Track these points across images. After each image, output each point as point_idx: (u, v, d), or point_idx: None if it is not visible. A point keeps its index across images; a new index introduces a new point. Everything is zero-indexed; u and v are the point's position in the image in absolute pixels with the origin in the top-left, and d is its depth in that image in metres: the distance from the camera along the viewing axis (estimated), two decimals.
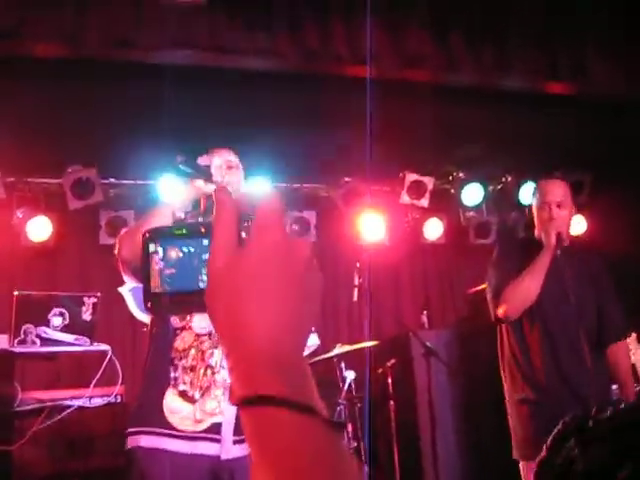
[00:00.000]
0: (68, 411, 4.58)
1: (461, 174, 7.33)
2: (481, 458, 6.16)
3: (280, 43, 5.47)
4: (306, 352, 2.86)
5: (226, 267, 0.77)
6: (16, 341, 4.73)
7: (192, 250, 0.89)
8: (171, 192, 5.21)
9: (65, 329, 4.88)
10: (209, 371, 3.14)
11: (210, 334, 3.16)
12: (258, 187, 5.79)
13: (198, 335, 3.16)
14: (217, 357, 3.16)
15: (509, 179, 7.55)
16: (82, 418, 4.65)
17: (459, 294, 7.47)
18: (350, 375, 5.47)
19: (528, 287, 3.81)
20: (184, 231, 0.90)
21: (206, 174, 3.27)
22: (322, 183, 7.10)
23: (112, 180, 6.50)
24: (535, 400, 3.86)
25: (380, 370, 5.80)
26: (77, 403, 4.58)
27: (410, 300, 7.49)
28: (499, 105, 6.65)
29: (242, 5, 5.29)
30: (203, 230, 0.89)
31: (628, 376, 3.97)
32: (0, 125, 5.47)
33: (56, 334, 4.83)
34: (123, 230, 3.38)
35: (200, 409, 3.12)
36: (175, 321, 3.18)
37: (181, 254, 0.89)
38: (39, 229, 6.17)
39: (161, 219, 3.16)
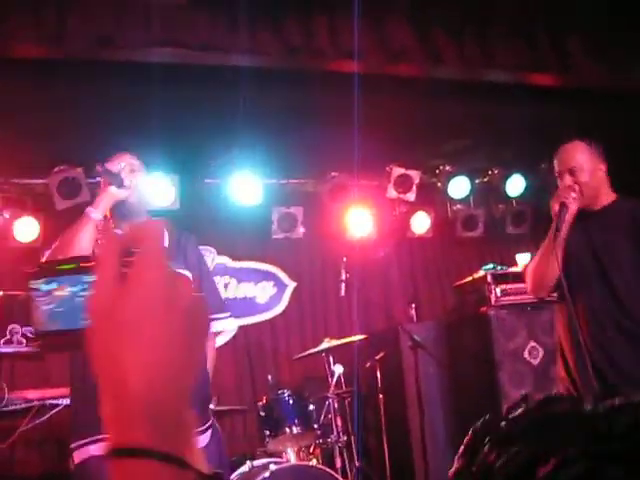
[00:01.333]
0: (56, 410, 4.59)
1: (447, 167, 7.35)
2: None
3: (263, 40, 5.48)
4: (224, 336, 2.89)
5: (105, 306, 0.73)
6: (2, 341, 4.74)
7: (77, 287, 0.86)
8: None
9: None
10: None
11: None
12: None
13: None
14: None
15: (495, 172, 7.56)
16: (70, 417, 4.67)
17: (447, 287, 7.50)
18: (338, 369, 5.49)
19: (537, 263, 3.76)
20: (72, 266, 0.88)
21: (118, 180, 3.35)
22: (309, 178, 7.11)
23: (99, 179, 6.49)
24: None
25: (369, 364, 5.83)
26: (65, 402, 4.59)
27: (398, 294, 7.51)
28: (484, 98, 6.66)
29: (224, 2, 5.30)
30: (89, 266, 0.85)
31: None
32: None
33: None
34: (47, 252, 3.36)
35: None
36: None
37: (66, 291, 0.87)
38: (26, 229, 6.18)
39: (87, 232, 3.23)
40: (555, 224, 3.62)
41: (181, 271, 3.40)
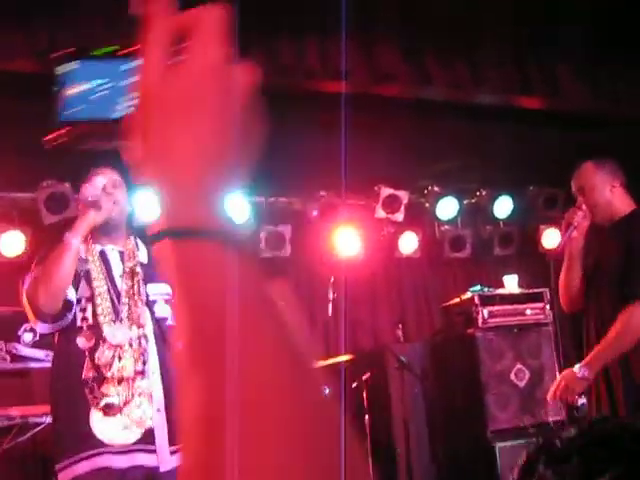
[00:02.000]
0: (39, 428, 4.54)
1: (436, 188, 7.36)
2: (457, 471, 6.18)
3: (254, 58, 5.48)
4: None
5: (159, 87, 0.70)
6: None
7: (108, 76, 0.79)
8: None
9: (36, 345, 4.84)
10: (132, 381, 3.16)
11: (130, 343, 3.20)
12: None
13: (116, 346, 3.19)
14: (139, 365, 3.19)
15: (483, 193, 7.58)
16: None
17: (434, 307, 7.49)
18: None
19: (561, 279, 4.05)
20: (102, 53, 0.80)
21: (96, 205, 3.32)
22: (297, 197, 7.10)
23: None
24: None
25: (355, 384, 5.80)
26: (48, 420, 4.54)
27: (385, 314, 7.49)
28: (473, 119, 6.69)
29: None
30: (122, 53, 0.79)
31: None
32: None
33: (27, 350, 4.79)
34: (30, 276, 3.31)
35: (127, 418, 3.13)
36: (82, 342, 3.19)
37: (97, 78, 0.79)
38: (12, 244, 6.13)
39: (69, 260, 3.21)
40: (563, 241, 3.97)
41: (161, 285, 3.41)
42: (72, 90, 0.79)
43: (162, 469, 3.17)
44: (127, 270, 3.45)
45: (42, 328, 3.30)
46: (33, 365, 4.83)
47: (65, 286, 3.22)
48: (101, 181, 3.42)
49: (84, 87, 0.79)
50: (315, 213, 6.90)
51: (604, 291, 3.86)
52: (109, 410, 3.11)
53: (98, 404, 3.12)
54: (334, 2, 4.52)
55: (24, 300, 3.23)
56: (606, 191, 3.92)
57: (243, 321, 0.61)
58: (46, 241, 5.96)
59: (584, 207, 3.90)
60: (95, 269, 3.39)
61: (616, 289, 3.77)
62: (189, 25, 0.72)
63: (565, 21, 6.15)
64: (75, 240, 3.25)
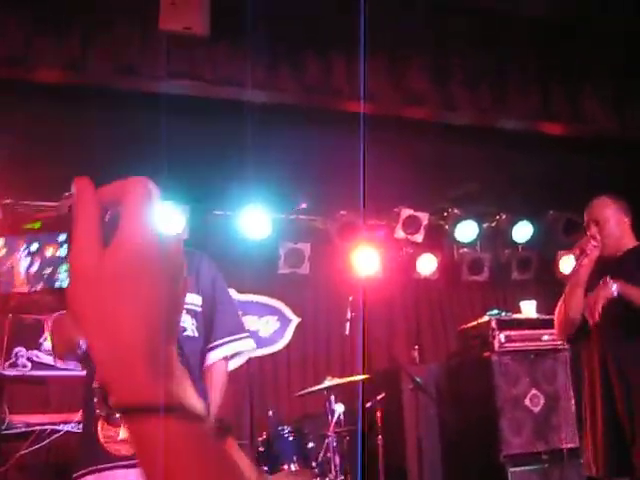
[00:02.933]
0: (56, 436, 4.57)
1: (456, 211, 7.38)
2: None
3: (280, 76, 5.54)
4: (240, 359, 2.82)
5: (92, 264, 0.71)
6: (7, 364, 4.74)
7: (46, 246, 0.80)
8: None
9: None
10: None
11: None
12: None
13: None
14: None
15: (503, 217, 7.60)
16: (70, 443, 4.64)
17: (451, 330, 7.49)
18: (339, 408, 5.46)
19: (560, 307, 4.12)
20: (37, 226, 0.81)
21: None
22: (317, 215, 7.14)
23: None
24: None
25: (369, 404, 5.80)
26: (65, 428, 4.58)
27: (402, 335, 7.51)
28: (495, 144, 6.72)
29: (244, 38, 5.37)
30: (58, 224, 0.80)
31: None
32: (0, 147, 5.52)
33: (47, 358, 4.83)
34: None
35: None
36: None
37: (34, 251, 0.80)
38: None
39: None
40: (576, 269, 4.03)
41: (192, 295, 3.36)
42: (18, 264, 0.80)
43: None
44: None
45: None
46: (53, 373, 4.87)
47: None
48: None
49: (27, 258, 0.80)
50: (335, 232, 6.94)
51: (615, 320, 3.92)
52: (113, 420, 3.12)
53: (103, 413, 3.13)
54: (361, 22, 4.57)
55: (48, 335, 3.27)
56: (619, 225, 4.14)
57: None
58: None
59: (598, 237, 4.05)
60: None
61: (630, 316, 3.88)
62: (116, 198, 0.73)
63: (589, 45, 6.18)
64: None
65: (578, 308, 4.00)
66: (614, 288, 3.86)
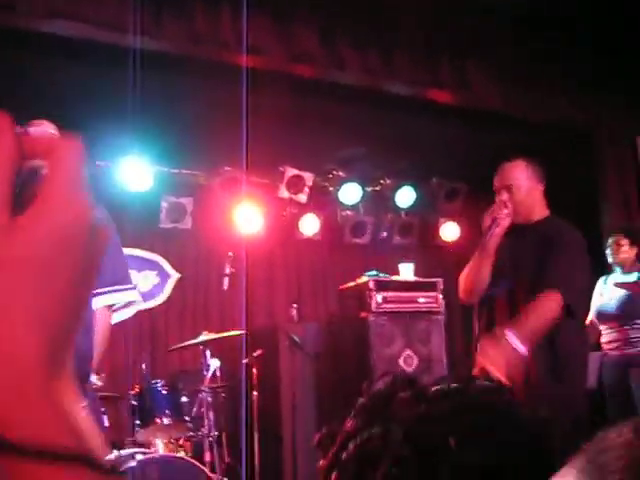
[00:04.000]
0: None
1: (340, 173, 7.41)
2: None
3: (166, 24, 5.40)
4: (127, 311, 2.83)
5: None
6: None
7: None
8: None
9: None
10: None
11: None
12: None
13: None
14: None
15: (387, 182, 7.68)
16: None
17: (331, 290, 7.55)
18: (215, 363, 5.44)
19: (468, 272, 3.94)
20: None
21: None
22: (201, 170, 7.04)
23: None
24: None
25: (245, 360, 5.80)
26: None
27: (282, 293, 7.53)
28: (383, 108, 6.76)
29: None
30: None
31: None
32: None
33: None
34: None
35: None
36: None
37: None
38: None
39: None
40: (487, 237, 3.80)
41: None
42: None
43: None
44: None
45: None
46: None
47: None
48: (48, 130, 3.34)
49: None
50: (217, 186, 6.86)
51: (521, 287, 3.84)
52: None
53: None
54: None
55: None
56: (532, 192, 3.93)
57: None
58: None
59: (509, 205, 3.85)
60: None
61: (533, 285, 3.77)
62: (39, 152, 0.55)
63: (483, 13, 6.28)
64: None
65: (485, 280, 3.83)
66: (521, 349, 3.52)
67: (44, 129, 3.34)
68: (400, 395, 0.92)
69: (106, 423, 4.33)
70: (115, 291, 3.41)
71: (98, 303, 3.34)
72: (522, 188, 3.88)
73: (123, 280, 3.49)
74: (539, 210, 3.97)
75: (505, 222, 3.80)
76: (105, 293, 3.36)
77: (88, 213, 0.54)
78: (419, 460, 0.84)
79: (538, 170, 3.99)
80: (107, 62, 5.55)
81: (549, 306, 3.64)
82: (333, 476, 0.93)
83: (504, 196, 3.86)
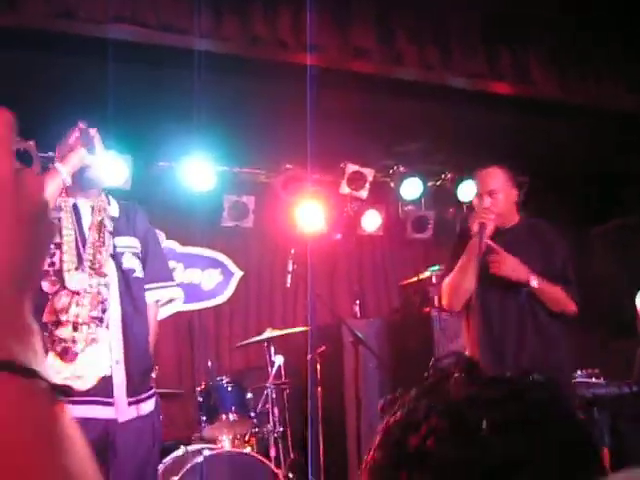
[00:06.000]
0: None
1: (401, 168, 7.40)
2: None
3: (226, 26, 5.46)
4: (170, 308, 2.94)
5: None
6: None
7: None
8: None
9: None
10: (87, 327, 3.24)
11: (89, 291, 3.30)
12: None
13: (74, 293, 3.27)
14: (96, 312, 3.27)
15: (448, 175, 7.64)
16: None
17: (393, 286, 7.55)
18: (279, 360, 5.51)
19: (455, 279, 4.01)
20: None
21: (91, 145, 3.46)
22: (262, 169, 7.10)
23: (51, 154, 6.40)
24: None
25: (309, 356, 5.84)
26: None
27: (344, 289, 7.55)
28: (442, 101, 6.72)
29: None
30: None
31: None
32: None
33: None
34: None
35: (82, 366, 3.20)
36: (46, 287, 3.31)
37: None
38: None
39: (54, 186, 3.33)
40: (476, 242, 3.89)
41: (129, 239, 3.58)
42: None
43: (120, 420, 3.25)
44: (95, 222, 3.51)
45: None
46: None
47: None
48: (89, 130, 3.51)
49: None
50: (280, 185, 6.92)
51: (510, 290, 3.95)
52: (65, 355, 3.18)
53: (55, 348, 3.17)
54: None
55: None
56: (511, 197, 4.13)
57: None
58: None
59: (494, 209, 3.98)
60: (66, 219, 3.46)
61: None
62: None
63: (535, 6, 6.20)
64: (63, 169, 3.35)
65: (472, 286, 3.87)
66: (534, 282, 3.87)
67: (90, 129, 3.55)
68: (456, 375, 0.96)
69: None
70: (161, 287, 3.68)
71: (149, 298, 3.59)
72: (502, 193, 4.05)
73: (166, 277, 3.78)
74: (515, 215, 4.18)
75: (491, 226, 3.93)
76: (151, 289, 3.62)
77: (7, 171, 0.62)
78: (452, 436, 0.88)
79: (513, 177, 4.20)
80: (168, 64, 5.65)
81: (566, 300, 3.97)
82: (378, 438, 0.98)
83: (487, 201, 4.01)
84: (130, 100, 5.45)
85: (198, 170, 6.54)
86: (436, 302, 4.26)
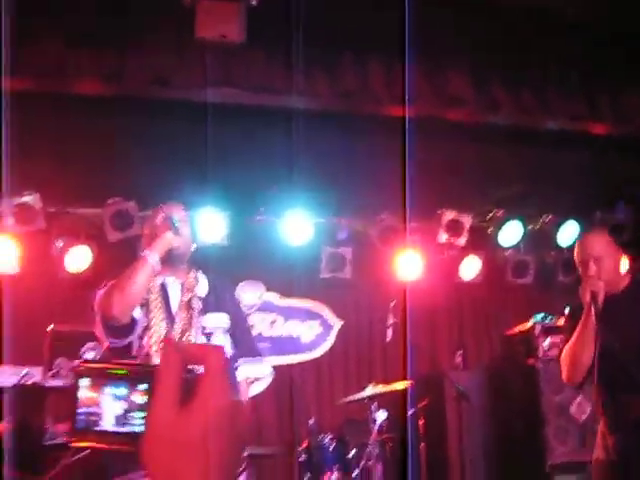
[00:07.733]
0: None
1: (499, 213, 7.28)
2: None
3: (318, 82, 5.51)
4: (260, 385, 2.96)
5: (167, 423, 0.78)
6: (49, 374, 4.79)
7: (126, 391, 0.89)
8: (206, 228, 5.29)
9: None
10: None
11: None
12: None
13: None
14: None
15: (547, 219, 7.47)
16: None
17: (495, 334, 7.39)
18: (381, 415, 5.43)
19: (573, 351, 3.80)
20: (123, 372, 0.90)
21: (176, 228, 3.44)
22: (359, 219, 7.09)
23: (157, 222, 6.55)
24: None
25: (411, 411, 5.75)
26: None
27: (445, 340, 7.43)
28: (539, 145, 6.62)
29: (280, 44, 5.35)
30: (142, 374, 0.89)
31: None
32: (42, 157, 5.58)
33: None
34: (103, 289, 3.39)
35: None
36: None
37: (114, 393, 0.89)
38: (78, 259, 6.21)
39: (145, 274, 3.32)
40: (590, 312, 3.67)
41: (218, 315, 3.57)
42: (90, 401, 0.89)
43: None
44: (184, 302, 3.52)
45: (111, 339, 3.37)
46: None
47: (138, 299, 3.33)
48: (177, 212, 3.52)
49: (104, 398, 0.89)
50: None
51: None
52: None
53: None
54: (400, 27, 4.51)
55: (95, 308, 3.33)
56: (618, 261, 3.89)
57: None
58: (111, 258, 6.08)
59: (601, 276, 3.77)
60: (154, 300, 3.48)
61: None
62: (197, 359, 0.81)
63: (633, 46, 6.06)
64: (152, 257, 3.35)
65: (590, 357, 3.66)
66: None
67: (174, 210, 3.56)
68: None
69: None
70: (249, 364, 3.68)
71: (238, 376, 3.61)
72: (609, 259, 3.83)
73: (254, 354, 3.76)
74: (624, 277, 3.92)
75: (602, 294, 3.69)
76: (241, 366, 3.64)
77: (228, 406, 0.79)
78: None
79: (617, 240, 3.99)
80: (261, 124, 5.73)
81: None
82: None
83: (593, 268, 3.80)
84: (228, 159, 5.55)
85: (296, 223, 6.58)
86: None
